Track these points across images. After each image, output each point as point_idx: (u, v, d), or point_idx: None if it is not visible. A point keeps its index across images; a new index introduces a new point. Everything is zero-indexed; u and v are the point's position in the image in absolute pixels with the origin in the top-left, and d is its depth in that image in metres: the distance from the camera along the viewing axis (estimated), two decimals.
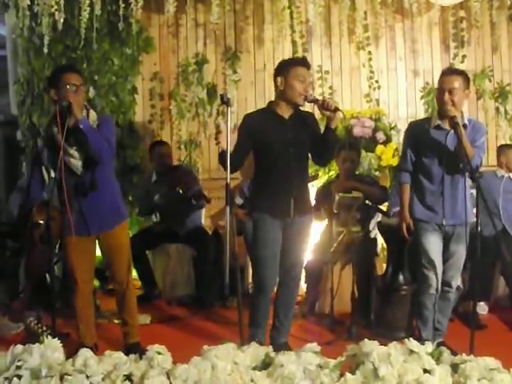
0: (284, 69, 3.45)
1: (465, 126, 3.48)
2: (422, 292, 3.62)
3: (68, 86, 3.33)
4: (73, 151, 3.38)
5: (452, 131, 3.42)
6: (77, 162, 3.40)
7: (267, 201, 3.47)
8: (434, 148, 3.54)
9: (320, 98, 3.48)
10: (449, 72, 3.58)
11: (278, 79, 3.45)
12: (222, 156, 3.26)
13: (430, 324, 3.62)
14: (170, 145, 5.54)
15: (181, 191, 5.03)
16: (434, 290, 3.56)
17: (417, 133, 3.63)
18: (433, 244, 3.57)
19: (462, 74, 3.54)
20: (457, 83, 3.44)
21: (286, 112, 3.49)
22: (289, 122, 3.48)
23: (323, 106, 3.34)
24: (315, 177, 4.61)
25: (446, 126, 3.47)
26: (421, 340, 3.54)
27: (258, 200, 3.56)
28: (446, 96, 3.43)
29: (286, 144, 3.43)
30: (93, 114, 3.47)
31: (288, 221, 3.48)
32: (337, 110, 3.32)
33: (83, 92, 3.43)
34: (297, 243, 3.55)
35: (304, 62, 3.53)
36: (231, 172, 3.16)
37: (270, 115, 3.50)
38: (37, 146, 3.48)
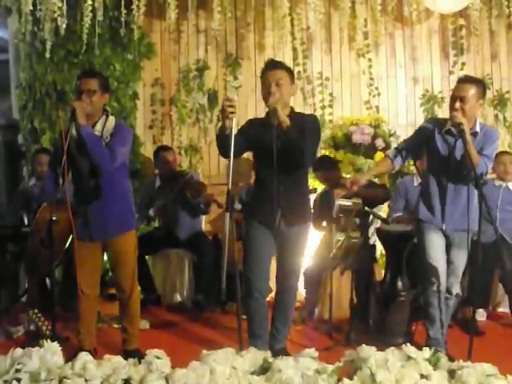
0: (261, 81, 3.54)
1: (475, 133, 3.50)
2: (425, 290, 3.62)
3: (78, 92, 3.38)
4: (81, 156, 3.41)
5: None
6: (84, 167, 3.43)
7: (256, 208, 3.53)
8: (442, 152, 3.57)
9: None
10: (463, 80, 3.58)
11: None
12: (220, 136, 3.29)
13: (437, 323, 3.60)
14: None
15: (189, 196, 5.05)
16: (437, 286, 3.56)
17: (432, 131, 3.63)
18: (435, 242, 3.59)
19: (477, 83, 3.52)
20: (469, 92, 3.44)
21: (277, 120, 3.40)
22: (279, 131, 3.37)
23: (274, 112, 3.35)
24: (313, 190, 4.64)
25: None
26: (429, 339, 3.59)
27: (250, 207, 3.66)
28: (457, 104, 3.44)
29: (275, 153, 3.37)
30: (110, 122, 3.46)
31: (277, 229, 3.46)
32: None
33: (92, 97, 3.37)
34: (290, 252, 3.53)
35: (267, 65, 3.54)
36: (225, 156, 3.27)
37: (263, 124, 3.51)
38: (56, 147, 3.53)
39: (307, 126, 3.45)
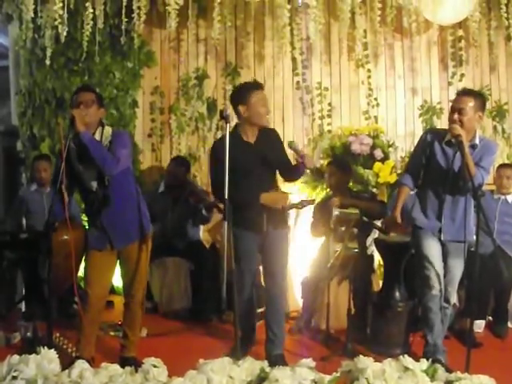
0: (243, 97, 3.56)
1: (474, 146, 3.52)
2: (424, 295, 3.63)
3: (76, 104, 3.42)
4: (84, 167, 3.43)
5: None
6: (89, 178, 3.44)
7: (241, 216, 3.50)
8: (441, 162, 3.59)
9: (303, 152, 3.59)
10: (462, 92, 3.61)
11: (240, 108, 3.55)
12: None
13: (436, 328, 3.61)
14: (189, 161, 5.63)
15: (193, 202, 5.06)
16: (436, 291, 3.58)
17: (431, 142, 3.65)
18: (433, 247, 3.61)
19: (477, 96, 3.56)
20: (468, 104, 3.47)
21: (251, 136, 3.62)
22: (254, 146, 3.61)
23: (302, 158, 3.48)
24: (311, 201, 4.64)
25: None
26: (427, 345, 3.60)
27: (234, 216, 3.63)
28: (456, 115, 3.47)
29: (252, 167, 3.55)
30: (107, 131, 3.52)
31: (262, 234, 3.61)
32: (309, 169, 3.56)
33: (89, 108, 3.43)
34: (275, 255, 3.68)
35: (259, 85, 3.67)
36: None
37: (237, 141, 3.50)
38: (57, 167, 3.52)
39: (278, 139, 3.74)
